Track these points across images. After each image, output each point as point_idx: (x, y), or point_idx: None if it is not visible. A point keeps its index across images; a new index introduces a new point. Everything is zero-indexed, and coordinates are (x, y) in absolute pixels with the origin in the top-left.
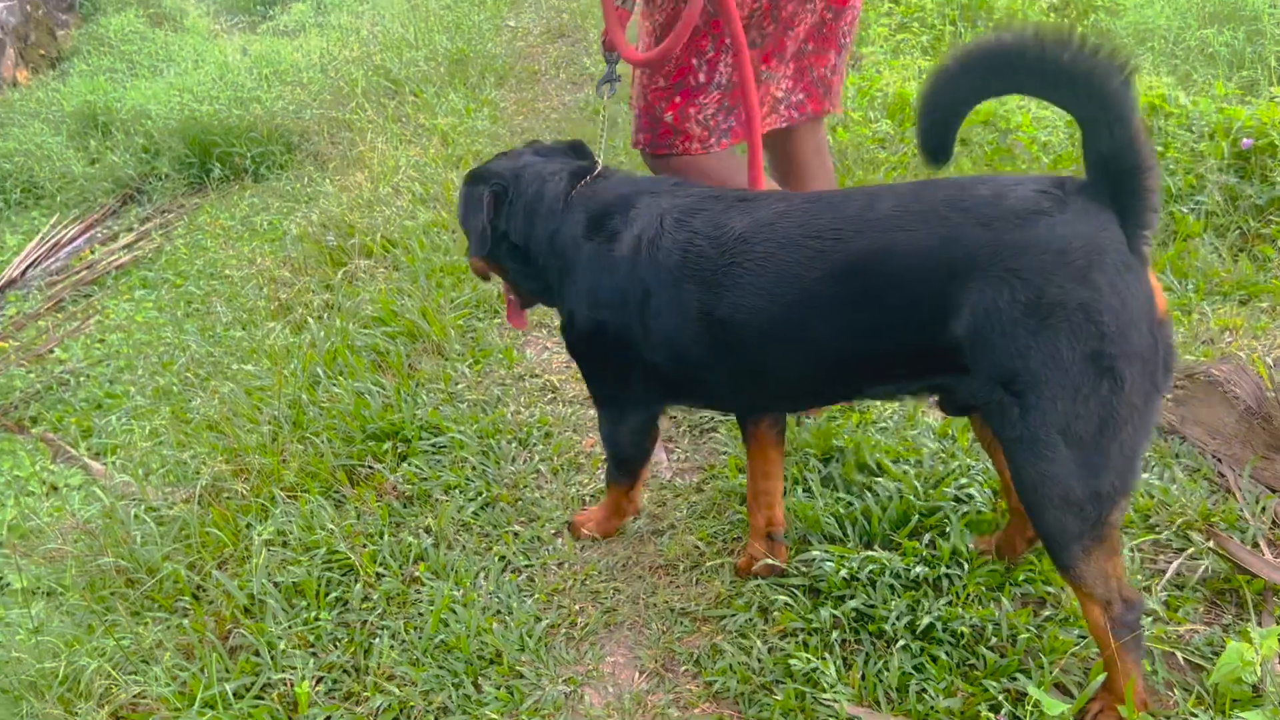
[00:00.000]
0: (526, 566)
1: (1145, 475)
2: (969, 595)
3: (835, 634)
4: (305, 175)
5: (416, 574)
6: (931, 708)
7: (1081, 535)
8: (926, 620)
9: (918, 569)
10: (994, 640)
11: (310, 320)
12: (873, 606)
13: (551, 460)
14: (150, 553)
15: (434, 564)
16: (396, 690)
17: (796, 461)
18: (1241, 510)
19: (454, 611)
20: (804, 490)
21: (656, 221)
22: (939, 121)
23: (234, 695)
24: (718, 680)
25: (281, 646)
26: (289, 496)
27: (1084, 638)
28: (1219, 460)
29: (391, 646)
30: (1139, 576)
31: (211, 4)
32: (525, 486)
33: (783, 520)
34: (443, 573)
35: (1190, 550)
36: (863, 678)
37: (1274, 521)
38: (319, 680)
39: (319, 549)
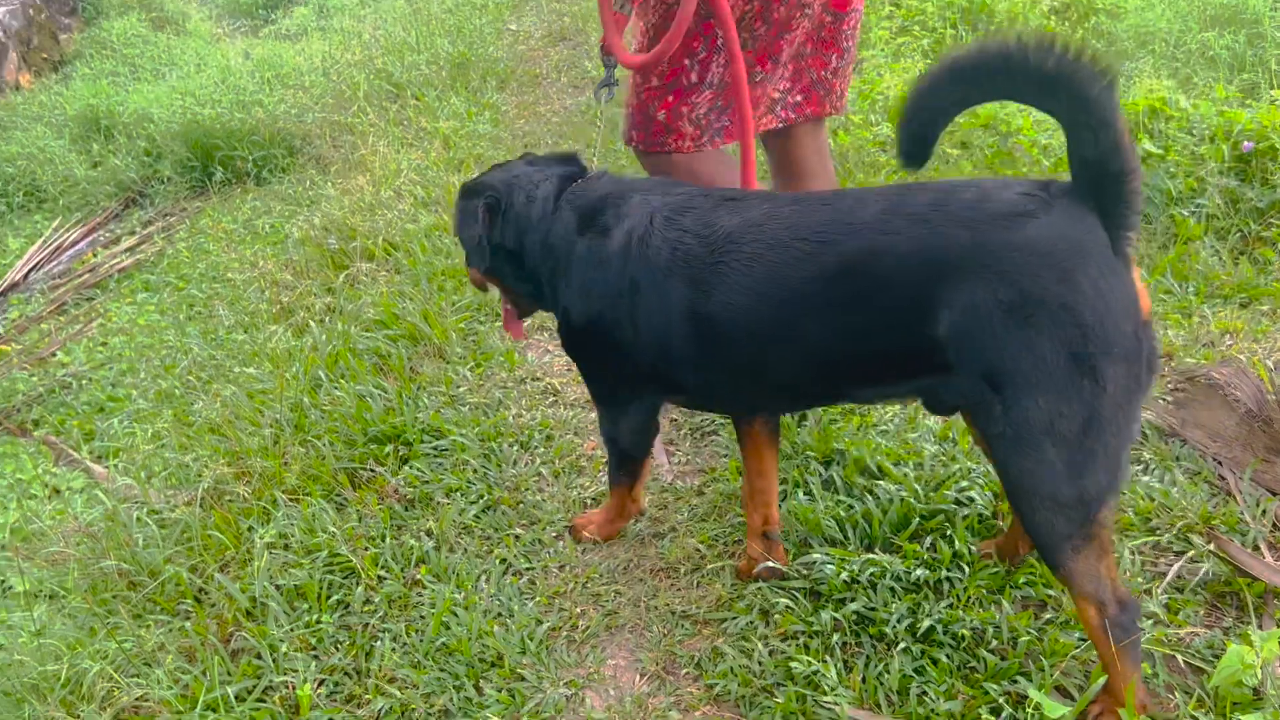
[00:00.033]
0: (528, 569)
1: (1146, 478)
2: (970, 598)
3: (836, 637)
4: (307, 179)
5: (418, 577)
6: (932, 710)
7: (1070, 534)
8: (927, 623)
9: (918, 572)
10: (995, 643)
11: (312, 323)
12: (873, 609)
13: (553, 463)
14: (152, 555)
15: (435, 567)
16: (398, 693)
17: (798, 464)
18: (1242, 513)
19: (455, 614)
20: (805, 493)
21: (647, 219)
22: (924, 125)
23: (236, 698)
24: (719, 683)
25: (283, 649)
26: (291, 499)
27: (1084, 641)
28: (1219, 463)
29: (393, 649)
30: (1139, 579)
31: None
32: (526, 489)
33: (778, 519)
34: (444, 575)
35: (1191, 553)
36: (863, 680)
37: (1274, 524)
38: (321, 683)
39: (321, 552)
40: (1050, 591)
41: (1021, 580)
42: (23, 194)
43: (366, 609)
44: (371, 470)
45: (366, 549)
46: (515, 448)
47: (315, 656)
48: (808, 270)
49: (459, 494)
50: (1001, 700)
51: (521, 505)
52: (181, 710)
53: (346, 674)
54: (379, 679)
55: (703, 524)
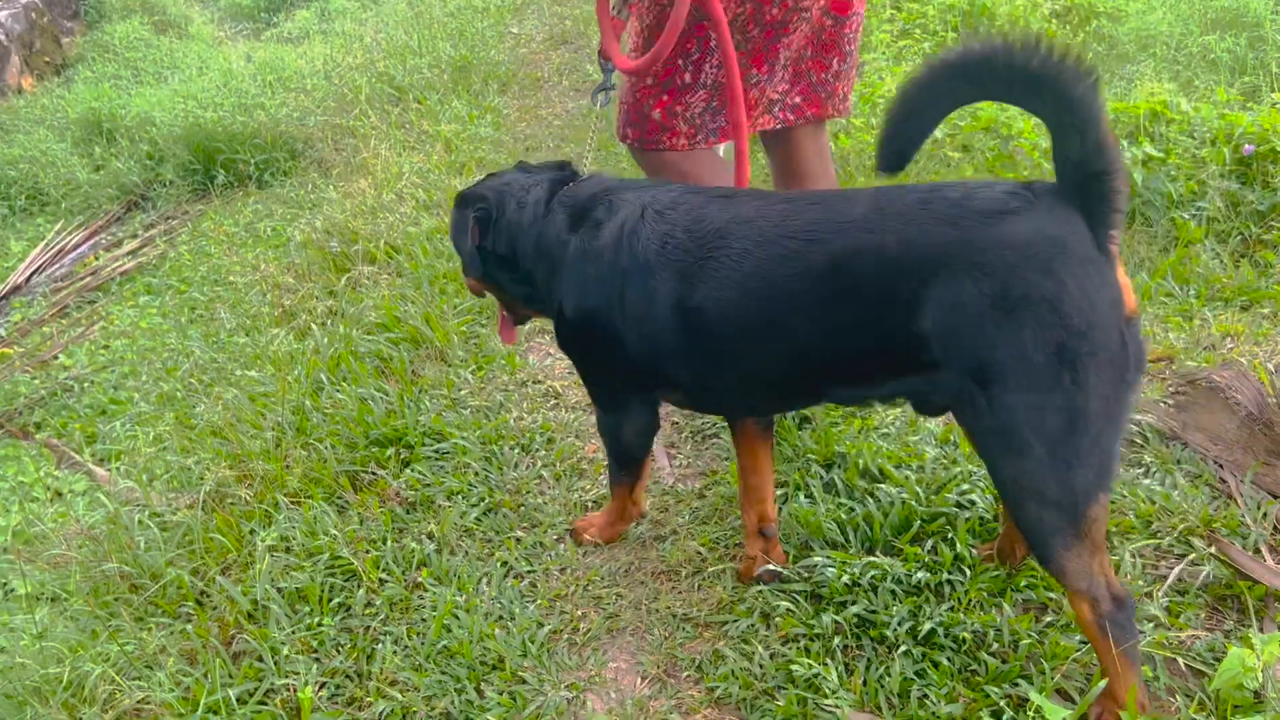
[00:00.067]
0: (529, 572)
1: (1147, 481)
2: (971, 601)
3: (837, 639)
4: (309, 182)
5: (419, 580)
6: (933, 713)
7: (1060, 530)
8: (928, 626)
9: (919, 575)
10: (996, 646)
11: (314, 326)
12: (874, 612)
13: (554, 466)
14: (154, 558)
15: (436, 570)
16: (399, 696)
17: (799, 467)
18: (1243, 516)
19: (456, 617)
20: (806, 496)
21: (638, 213)
22: (913, 125)
23: (237, 701)
24: (720, 686)
25: (285, 652)
26: (292, 502)
27: (1085, 644)
28: (1220, 466)
29: (394, 652)
30: (1140, 582)
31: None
32: (528, 492)
33: (774, 515)
34: (445, 578)
35: (1192, 556)
36: (864, 683)
37: (1275, 527)
38: (322, 686)
39: (322, 555)
40: (1051, 595)
41: (1023, 583)
42: (25, 197)
43: (368, 612)
44: (373, 473)
45: (368, 552)
46: (517, 451)
47: (317, 659)
48: (796, 267)
49: (460, 497)
50: (1002, 703)
51: (523, 508)
52: (183, 713)
53: (348, 677)
54: (380, 682)
55: (704, 527)
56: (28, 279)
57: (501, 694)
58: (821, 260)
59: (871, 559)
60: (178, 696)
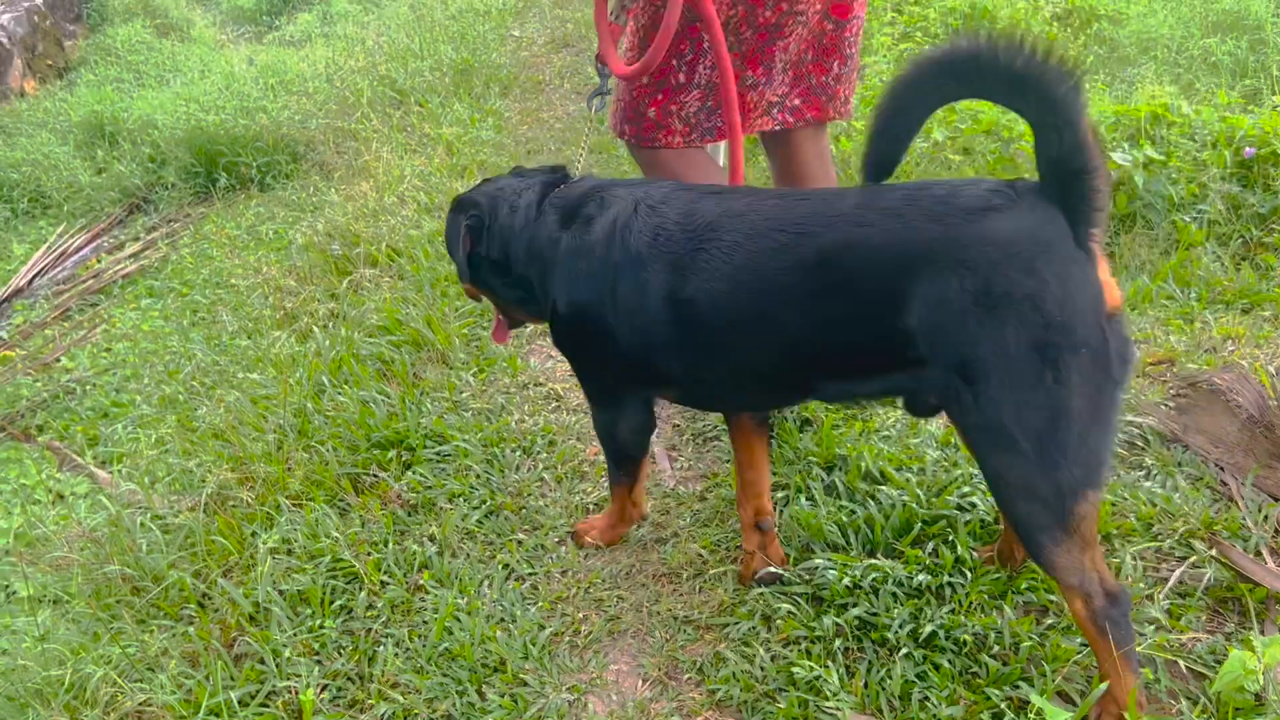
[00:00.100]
0: (530, 574)
1: (1148, 483)
2: (972, 603)
3: (838, 642)
4: (311, 185)
5: (421, 582)
6: (934, 716)
7: (1049, 526)
8: (929, 628)
9: (920, 577)
10: (996, 648)
11: (315, 329)
12: (875, 615)
13: (555, 468)
14: (156, 561)
15: (438, 572)
16: (401, 698)
17: (800, 470)
18: (1244, 519)
19: (458, 619)
20: (807, 498)
21: (631, 208)
22: (900, 123)
23: (239, 703)
24: (721, 688)
25: (286, 654)
26: (294, 505)
27: (1086, 646)
28: (1221, 469)
29: (396, 654)
30: (1141, 584)
31: (218, 14)
32: (529, 495)
33: (771, 510)
34: (447, 581)
35: (1193, 558)
36: (865, 686)
37: (1276, 530)
38: (324, 688)
39: (324, 557)
40: (1052, 597)
41: (1023, 586)
42: (27, 200)
43: (369, 614)
44: (374, 475)
45: (369, 554)
46: (518, 453)
47: (318, 661)
48: (785, 260)
49: (462, 499)
50: (1003, 705)
51: (524, 510)
52: (185, 715)
53: (349, 679)
54: (382, 684)
55: (705, 529)
56: (30, 282)
57: (503, 696)
58: (811, 253)
59: (872, 561)
60: (179, 699)
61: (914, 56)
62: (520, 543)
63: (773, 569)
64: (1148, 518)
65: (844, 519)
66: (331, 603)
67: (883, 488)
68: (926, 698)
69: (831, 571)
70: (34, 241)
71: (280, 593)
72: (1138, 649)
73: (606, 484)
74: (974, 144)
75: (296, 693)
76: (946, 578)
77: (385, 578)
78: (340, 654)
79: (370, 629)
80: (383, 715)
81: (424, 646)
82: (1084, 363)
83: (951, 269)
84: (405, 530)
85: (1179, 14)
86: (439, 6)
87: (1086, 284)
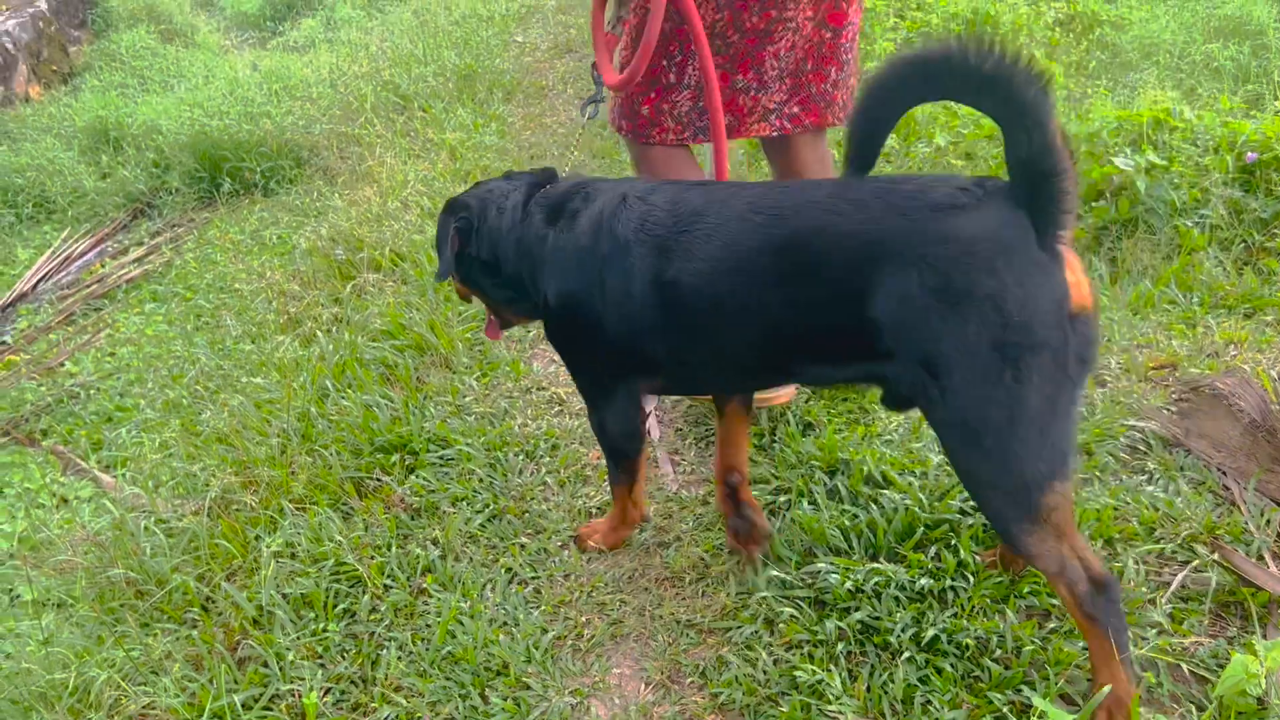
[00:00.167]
0: (533, 578)
1: (1150, 488)
2: (974, 607)
3: (841, 646)
4: (314, 190)
5: (424, 586)
6: (937, 719)
7: (1019, 518)
8: (932, 632)
9: (923, 581)
10: (999, 652)
11: (319, 333)
12: (878, 619)
13: (558, 473)
14: (160, 564)
15: (441, 576)
16: (404, 701)
17: (802, 474)
18: (1246, 523)
19: (461, 623)
20: (810, 503)
21: (618, 199)
22: (875, 123)
23: (242, 706)
24: (723, 692)
25: (290, 658)
26: (297, 508)
27: (1088, 650)
28: (1224, 473)
29: (399, 658)
30: (1144, 588)
31: (222, 20)
32: (532, 499)
33: (744, 471)
34: (450, 584)
35: (1195, 563)
36: (868, 690)
37: (1279, 534)
38: (327, 691)
39: (327, 561)
40: (1054, 601)
41: (1025, 590)
42: (32, 205)
43: (373, 618)
44: (378, 480)
45: (373, 558)
46: (521, 457)
47: (322, 665)
48: (759, 240)
49: (465, 503)
50: (1006, 709)
51: (527, 514)
52: (188, 719)
53: (353, 682)
54: (385, 687)
55: (707, 533)
56: (34, 286)
57: (506, 700)
58: (783, 236)
59: (875, 565)
60: (183, 702)
61: (888, 57)
62: (523, 547)
63: (759, 530)
64: (1150, 522)
65: (846, 523)
66: (335, 606)
67: (885, 492)
68: (929, 702)
69: (834, 575)
70: (39, 246)
71: (284, 596)
72: (1140, 653)
73: (608, 488)
74: (976, 149)
75: (300, 696)
76: (949, 582)
77: (388, 581)
78: (344, 657)
79: (373, 632)
80: (386, 719)
81: (427, 650)
82: (1044, 362)
83: (914, 264)
84: (408, 534)
85: (1181, 19)
86: (442, 12)
87: (1048, 285)
